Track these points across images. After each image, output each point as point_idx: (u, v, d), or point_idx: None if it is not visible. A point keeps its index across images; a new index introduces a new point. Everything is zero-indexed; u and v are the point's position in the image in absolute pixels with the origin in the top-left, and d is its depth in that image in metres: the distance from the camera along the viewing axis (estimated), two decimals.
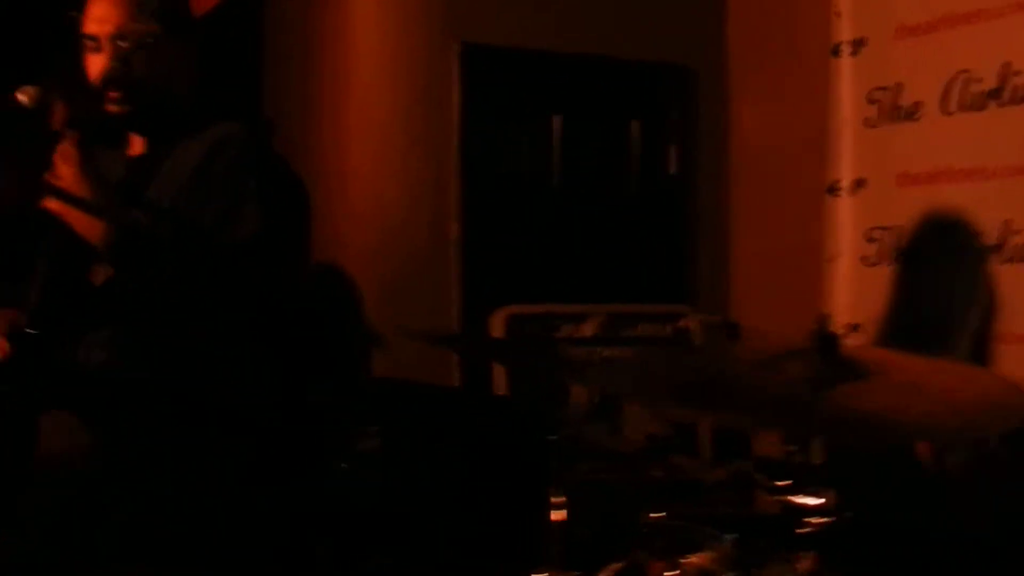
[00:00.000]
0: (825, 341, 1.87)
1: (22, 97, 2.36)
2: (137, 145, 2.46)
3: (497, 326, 3.80)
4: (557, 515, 2.70)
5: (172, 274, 2.22)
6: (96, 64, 2.33)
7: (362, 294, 3.96)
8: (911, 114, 3.35)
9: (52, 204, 2.19)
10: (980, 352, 3.10)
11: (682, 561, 2.27)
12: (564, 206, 4.13)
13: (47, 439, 2.37)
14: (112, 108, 2.33)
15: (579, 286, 4.04)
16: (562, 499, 2.70)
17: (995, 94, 3.10)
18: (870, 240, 3.52)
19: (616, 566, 2.52)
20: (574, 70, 4.13)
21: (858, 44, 3.54)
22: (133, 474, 2.28)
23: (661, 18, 4.18)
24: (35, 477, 2.33)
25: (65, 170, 2.18)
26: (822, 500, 1.97)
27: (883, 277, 3.41)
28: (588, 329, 3.84)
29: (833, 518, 1.96)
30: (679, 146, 4.29)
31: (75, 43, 2.38)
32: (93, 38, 2.33)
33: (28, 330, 2.26)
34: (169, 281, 2.23)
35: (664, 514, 2.38)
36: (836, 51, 3.59)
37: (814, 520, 1.98)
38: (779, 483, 2.10)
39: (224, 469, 2.34)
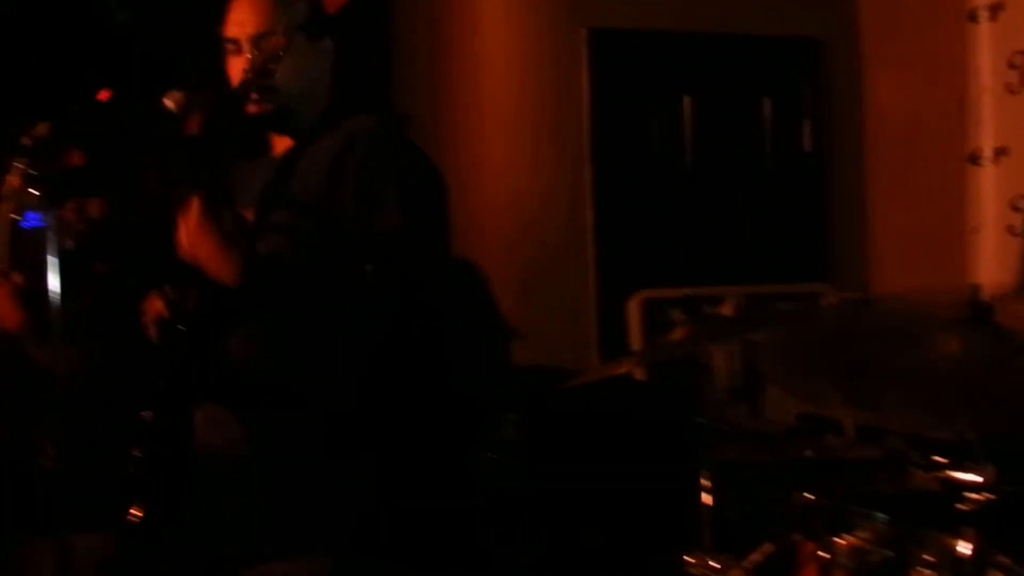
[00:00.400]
0: (979, 312, 1.82)
1: (169, 102, 2.43)
2: (280, 146, 2.51)
3: (633, 310, 3.80)
4: (707, 498, 2.70)
5: (315, 270, 2.25)
6: (237, 67, 2.38)
7: (495, 285, 3.99)
8: None
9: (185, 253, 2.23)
10: None
11: (835, 541, 2.25)
12: (697, 187, 4.11)
13: (201, 433, 2.45)
14: (253, 110, 2.38)
15: (715, 268, 4.02)
16: (711, 482, 2.70)
17: None
18: (1015, 209, 3.43)
19: (768, 548, 2.50)
20: (702, 49, 4.10)
21: (996, 8, 3.45)
22: (285, 467, 2.33)
23: None
24: (191, 471, 2.40)
25: (187, 230, 2.20)
26: (982, 476, 1.93)
27: None
28: (726, 311, 3.82)
29: (995, 495, 1.92)
30: (812, 121, 4.23)
31: (217, 47, 2.44)
32: (234, 41, 2.38)
33: (181, 327, 2.33)
34: (313, 277, 2.27)
35: (816, 495, 2.36)
36: (973, 16, 3.50)
37: (974, 496, 1.94)
38: (936, 459, 2.06)
39: (373, 462, 2.37)
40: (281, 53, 2.22)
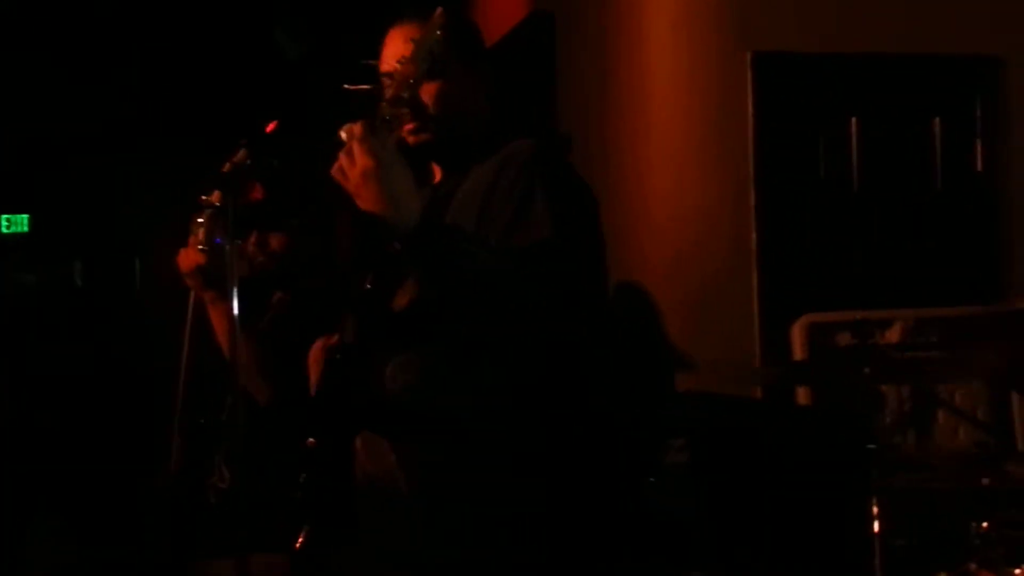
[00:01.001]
0: None
1: (344, 135, 2.50)
2: (439, 173, 2.55)
3: (798, 335, 3.75)
4: (878, 525, 2.65)
5: (470, 290, 2.21)
6: None
7: (661, 309, 3.99)
8: None
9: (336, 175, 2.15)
10: None
11: (1016, 572, 2.19)
12: (865, 209, 4.03)
13: (359, 460, 2.49)
14: (410, 140, 2.42)
15: (884, 290, 3.94)
16: (882, 509, 2.65)
17: None
18: None
19: None
20: (869, 70, 4.03)
21: None
22: (441, 495, 2.35)
23: (958, 8, 4.03)
24: (352, 498, 2.44)
25: (360, 160, 2.10)
26: None
27: None
28: (894, 335, 3.74)
29: None
30: (985, 141, 4.12)
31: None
32: (389, 75, 2.43)
33: (340, 356, 2.38)
34: (468, 297, 2.23)
35: (994, 524, 2.30)
36: None
37: None
38: None
39: (533, 489, 2.38)
40: (412, 81, 2.24)
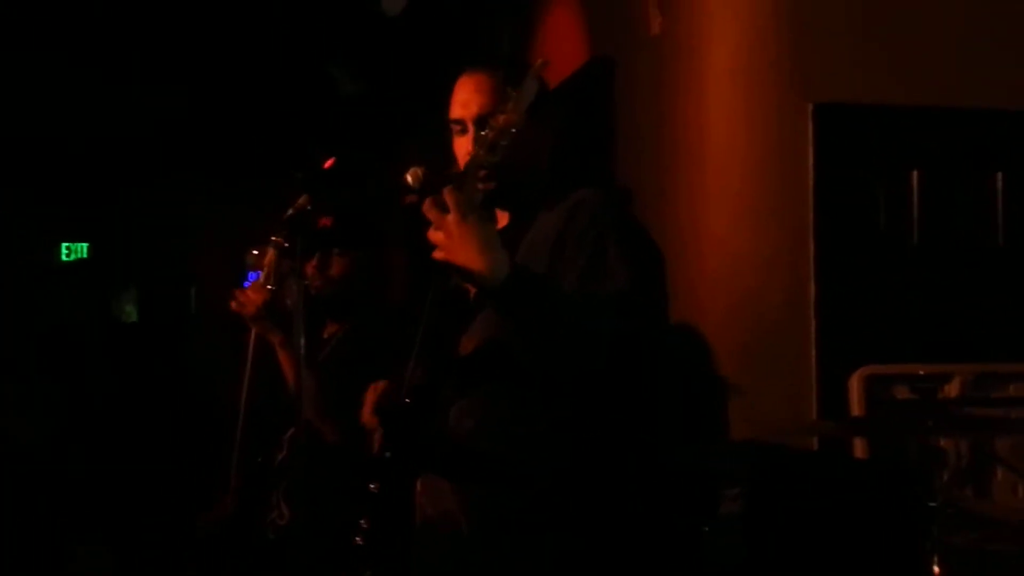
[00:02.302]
0: None
1: (410, 178, 2.52)
2: (503, 219, 2.57)
3: (856, 387, 3.73)
4: None
5: (542, 335, 2.22)
6: (461, 148, 2.44)
7: (720, 358, 3.98)
8: None
9: (434, 236, 2.19)
10: None
11: None
12: (925, 262, 4.01)
13: (419, 503, 2.50)
14: (480, 187, 2.44)
15: (944, 344, 3.91)
16: (942, 567, 2.62)
17: None
18: None
19: None
20: (931, 123, 4.01)
21: None
22: (500, 539, 2.35)
23: (1021, 62, 4.02)
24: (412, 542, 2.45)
25: (454, 221, 2.16)
26: None
27: None
28: (954, 389, 3.71)
29: None
30: None
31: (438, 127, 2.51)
32: (459, 122, 2.46)
33: (407, 400, 2.39)
34: (539, 342, 2.25)
35: None
36: None
37: None
38: None
39: (590, 535, 2.37)
40: (513, 130, 2.26)
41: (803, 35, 3.94)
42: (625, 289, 2.25)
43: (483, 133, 2.27)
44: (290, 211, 2.57)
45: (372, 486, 2.38)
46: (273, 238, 2.66)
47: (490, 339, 2.38)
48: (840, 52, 3.92)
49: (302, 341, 2.51)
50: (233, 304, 2.90)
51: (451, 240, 2.14)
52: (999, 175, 4.03)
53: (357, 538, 2.33)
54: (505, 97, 2.26)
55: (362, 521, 2.35)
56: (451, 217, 2.15)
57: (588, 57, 5.08)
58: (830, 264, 3.88)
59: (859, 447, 3.64)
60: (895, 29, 3.92)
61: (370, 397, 2.48)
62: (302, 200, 2.57)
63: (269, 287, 2.77)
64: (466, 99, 2.46)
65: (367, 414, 2.47)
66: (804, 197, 3.88)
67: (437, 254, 2.18)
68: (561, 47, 5.40)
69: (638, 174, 4.50)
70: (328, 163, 2.91)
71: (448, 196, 2.16)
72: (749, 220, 3.99)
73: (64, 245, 11.76)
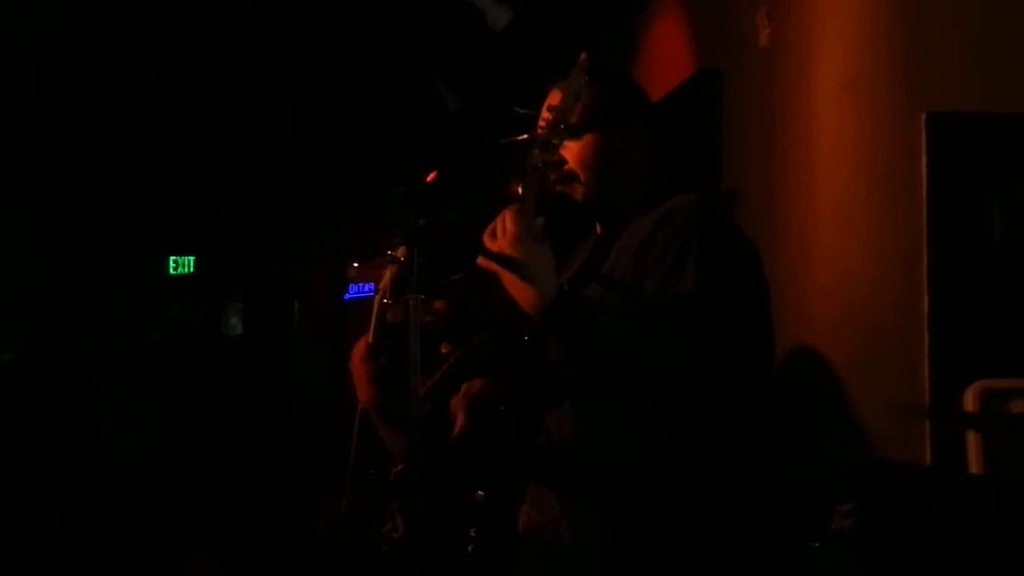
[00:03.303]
0: None
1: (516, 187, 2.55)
2: (596, 229, 2.58)
3: (971, 401, 3.67)
4: None
5: (617, 343, 2.25)
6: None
7: (829, 371, 3.94)
8: None
9: (484, 263, 2.26)
10: None
11: None
12: None
13: (523, 510, 2.52)
14: (573, 195, 2.46)
15: None
16: None
17: None
18: None
19: None
20: None
21: None
22: (602, 545, 2.36)
23: None
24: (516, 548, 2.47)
25: (502, 235, 2.24)
26: None
27: None
28: None
29: None
30: None
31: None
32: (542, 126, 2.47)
33: (504, 408, 2.41)
34: (614, 350, 2.26)
35: None
36: None
37: None
38: None
39: (693, 546, 2.37)
40: (562, 126, 2.27)
41: (915, 43, 3.90)
42: (690, 294, 2.25)
43: (539, 131, 2.32)
44: (406, 229, 2.61)
45: (479, 493, 2.41)
46: (390, 252, 2.70)
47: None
48: (953, 60, 3.87)
49: (417, 352, 2.55)
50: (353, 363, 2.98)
51: (505, 267, 2.23)
52: None
53: (468, 547, 2.36)
54: (567, 98, 2.29)
55: (471, 530, 2.38)
56: (505, 239, 2.20)
57: (694, 70, 5.07)
58: (944, 277, 3.83)
59: (975, 463, 3.59)
60: (1010, 36, 3.86)
61: (463, 392, 2.51)
62: (417, 220, 2.61)
63: (386, 300, 2.82)
64: (544, 112, 2.49)
65: (456, 406, 2.50)
66: (918, 208, 3.83)
67: (481, 261, 2.25)
68: (667, 60, 5.41)
69: (746, 186, 4.48)
70: (430, 177, 2.95)
71: (508, 217, 2.20)
72: (860, 232, 3.94)
73: (172, 259, 12.04)
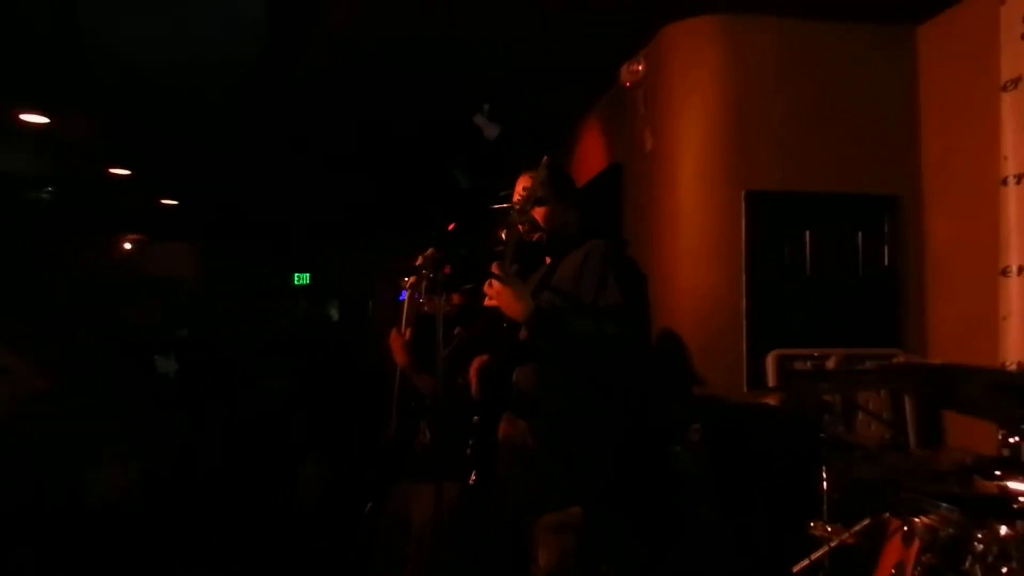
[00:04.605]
0: None
1: (503, 236, 2.48)
2: (547, 260, 2.53)
3: (771, 361, 3.63)
4: (825, 486, 2.51)
5: (570, 331, 2.20)
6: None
7: (686, 346, 3.88)
8: None
9: (489, 301, 2.23)
10: None
11: (914, 520, 2.04)
12: (814, 286, 3.90)
13: (503, 430, 2.43)
14: (530, 238, 2.41)
15: (823, 336, 3.78)
16: (829, 475, 2.51)
17: None
18: None
19: (866, 522, 2.31)
20: (819, 203, 3.90)
21: (1021, 177, 3.17)
22: (554, 451, 2.29)
23: (871, 156, 3.87)
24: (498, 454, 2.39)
25: (497, 287, 2.21)
26: None
27: None
28: (831, 364, 3.60)
29: None
30: (891, 247, 3.96)
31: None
32: (515, 203, 2.42)
33: (495, 369, 2.37)
34: (572, 333, 2.21)
35: (901, 489, 2.15)
36: (1005, 181, 3.22)
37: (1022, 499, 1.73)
38: (997, 472, 1.85)
39: (611, 449, 2.31)
40: (531, 201, 2.26)
41: (738, 150, 3.86)
42: (621, 304, 2.21)
43: (516, 203, 2.28)
44: (421, 259, 2.55)
45: (475, 419, 2.36)
46: (422, 271, 2.64)
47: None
48: (762, 160, 3.84)
49: (440, 332, 2.49)
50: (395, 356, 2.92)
51: (498, 295, 2.20)
52: (859, 233, 3.90)
53: (468, 452, 2.30)
54: (534, 183, 2.26)
55: (470, 441, 2.32)
56: (497, 283, 2.19)
57: (607, 164, 5.02)
58: (754, 289, 3.79)
59: (774, 400, 3.53)
60: (796, 145, 3.83)
61: (475, 364, 2.45)
62: (430, 252, 2.55)
63: (420, 300, 2.76)
64: (519, 189, 2.45)
65: (472, 373, 2.44)
66: (738, 249, 3.80)
67: (488, 302, 2.23)
68: (591, 157, 5.36)
69: (636, 234, 4.41)
70: (450, 227, 2.88)
71: (495, 269, 2.22)
72: (704, 264, 3.90)
73: (295, 275, 12.10)
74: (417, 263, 2.55)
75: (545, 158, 2.30)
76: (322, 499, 4.97)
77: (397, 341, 3.12)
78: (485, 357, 2.45)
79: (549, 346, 2.24)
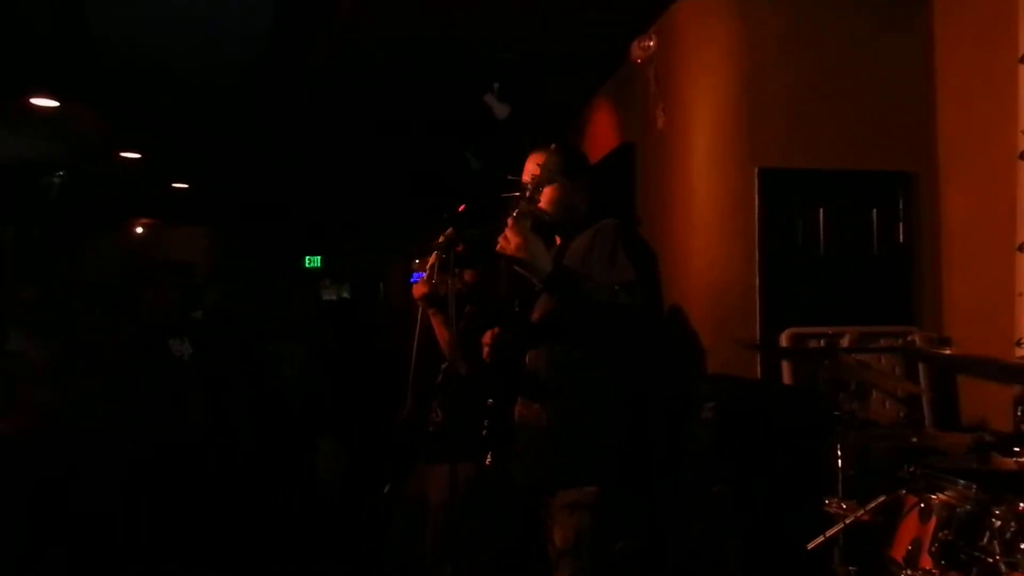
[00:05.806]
0: None
1: (511, 221, 2.47)
2: (558, 240, 2.53)
3: (784, 340, 3.62)
4: (840, 462, 2.51)
5: (587, 292, 2.18)
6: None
7: (698, 323, 3.87)
8: None
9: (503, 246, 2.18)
10: None
11: (931, 497, 2.04)
12: (828, 264, 3.87)
13: (518, 410, 2.44)
14: (545, 220, 2.41)
15: (838, 314, 3.76)
16: (843, 451, 2.50)
17: None
18: None
19: (882, 499, 2.31)
20: (834, 180, 3.86)
21: None
22: (568, 430, 2.30)
23: (885, 132, 3.82)
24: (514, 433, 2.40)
25: (513, 238, 2.17)
26: None
27: None
28: (845, 342, 3.59)
29: None
30: (906, 224, 3.92)
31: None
32: (524, 184, 2.40)
33: (500, 346, 2.37)
34: (576, 310, 2.21)
35: (918, 466, 2.15)
36: (1022, 155, 3.18)
37: None
38: (1015, 448, 1.84)
39: (624, 425, 2.31)
40: (540, 186, 2.23)
41: (750, 126, 3.82)
42: (634, 279, 2.20)
43: (526, 187, 2.25)
44: (442, 238, 2.55)
45: (490, 400, 2.36)
46: (435, 252, 2.64)
47: (546, 312, 2.39)
48: (775, 136, 3.80)
49: (452, 313, 2.49)
50: (414, 291, 2.88)
51: (508, 241, 2.15)
52: (875, 210, 3.87)
53: (483, 433, 2.31)
54: (543, 165, 2.24)
55: (484, 422, 2.33)
56: (512, 239, 2.16)
57: (619, 143, 4.99)
58: (768, 266, 3.76)
59: (786, 378, 3.52)
60: (806, 124, 3.79)
61: (487, 336, 2.45)
62: (449, 231, 2.54)
63: (433, 281, 2.76)
64: (528, 168, 2.45)
65: (485, 344, 2.44)
66: (752, 225, 3.78)
67: (498, 248, 2.18)
68: (602, 136, 5.33)
69: (648, 213, 4.40)
70: (461, 208, 2.89)
71: (510, 220, 2.18)
72: (719, 240, 3.88)
73: (307, 258, 12.22)
74: (439, 240, 2.55)
75: (553, 145, 2.30)
76: (339, 481, 4.99)
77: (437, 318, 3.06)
78: (498, 329, 2.45)
79: (565, 306, 2.22)
